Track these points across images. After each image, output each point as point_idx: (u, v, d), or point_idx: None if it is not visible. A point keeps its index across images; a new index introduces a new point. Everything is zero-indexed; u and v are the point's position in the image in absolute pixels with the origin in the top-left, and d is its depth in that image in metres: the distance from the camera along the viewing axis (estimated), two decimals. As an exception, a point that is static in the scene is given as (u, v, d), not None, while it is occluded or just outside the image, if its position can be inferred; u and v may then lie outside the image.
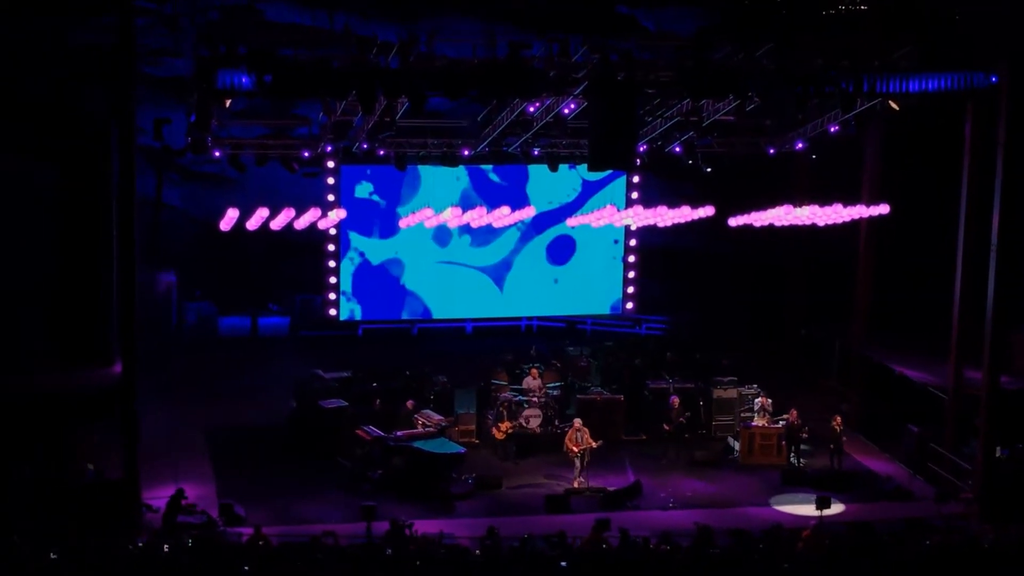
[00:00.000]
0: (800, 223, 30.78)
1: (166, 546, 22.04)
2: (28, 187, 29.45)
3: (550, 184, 34.71)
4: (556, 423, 30.70)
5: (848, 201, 30.56)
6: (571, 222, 33.97)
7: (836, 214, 30.16)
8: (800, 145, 31.18)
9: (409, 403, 30.01)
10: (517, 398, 31.04)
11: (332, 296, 34.77)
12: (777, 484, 28.95)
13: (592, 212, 32.89)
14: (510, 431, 30.22)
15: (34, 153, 29.47)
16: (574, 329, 39.33)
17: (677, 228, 32.60)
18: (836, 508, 26.94)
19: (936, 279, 31.11)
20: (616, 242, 36.04)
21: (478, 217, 31.07)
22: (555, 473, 29.28)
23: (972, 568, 22.15)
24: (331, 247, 34.45)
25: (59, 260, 29.71)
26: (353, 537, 23.59)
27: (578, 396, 31.90)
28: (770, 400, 30.83)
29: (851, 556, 22.18)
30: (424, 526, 24.43)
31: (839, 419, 29.94)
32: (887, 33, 30.00)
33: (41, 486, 25.73)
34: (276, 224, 29.29)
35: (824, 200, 30.21)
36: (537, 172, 34.31)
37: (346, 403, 30.60)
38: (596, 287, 36.38)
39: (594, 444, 28.70)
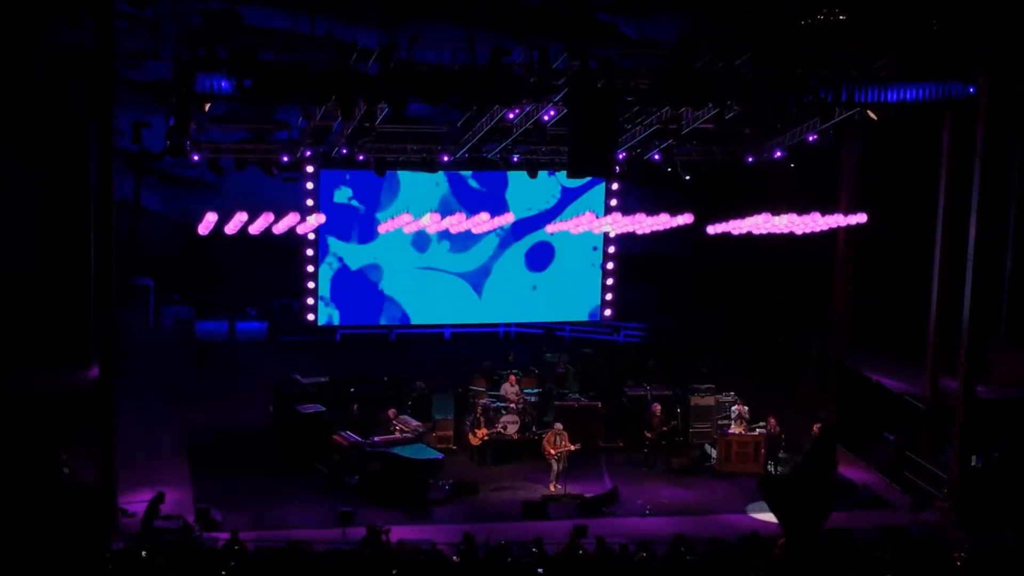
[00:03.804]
0: (778, 231, 30.88)
1: (144, 552, 21.97)
2: (7, 187, 29.37)
3: (529, 191, 34.76)
4: (534, 429, 30.71)
5: (826, 210, 30.65)
6: (550, 229, 34.04)
7: (814, 223, 30.24)
8: (779, 154, 31.28)
9: (391, 411, 29.94)
10: (495, 404, 31.04)
11: (310, 301, 34.76)
12: (754, 491, 28.97)
13: (571, 219, 32.91)
14: (486, 438, 30.22)
15: (13, 153, 29.39)
16: (552, 336, 39.32)
17: (656, 235, 32.65)
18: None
19: (914, 287, 31.23)
20: (595, 249, 36.12)
21: (457, 223, 31.07)
22: (532, 479, 29.31)
23: (947, 576, 22.27)
24: (310, 252, 34.44)
25: (38, 262, 29.63)
26: (330, 542, 23.57)
27: (556, 403, 31.87)
28: (747, 408, 30.92)
29: (827, 564, 22.23)
30: (401, 532, 24.41)
31: (817, 428, 29.94)
32: (866, 43, 30.10)
33: (16, 488, 25.60)
34: (255, 228, 29.25)
35: (802, 208, 30.29)
36: (516, 178, 34.33)
37: (324, 408, 30.54)
38: (575, 294, 36.45)
39: (571, 447, 28.77)
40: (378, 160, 30.38)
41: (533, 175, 31.97)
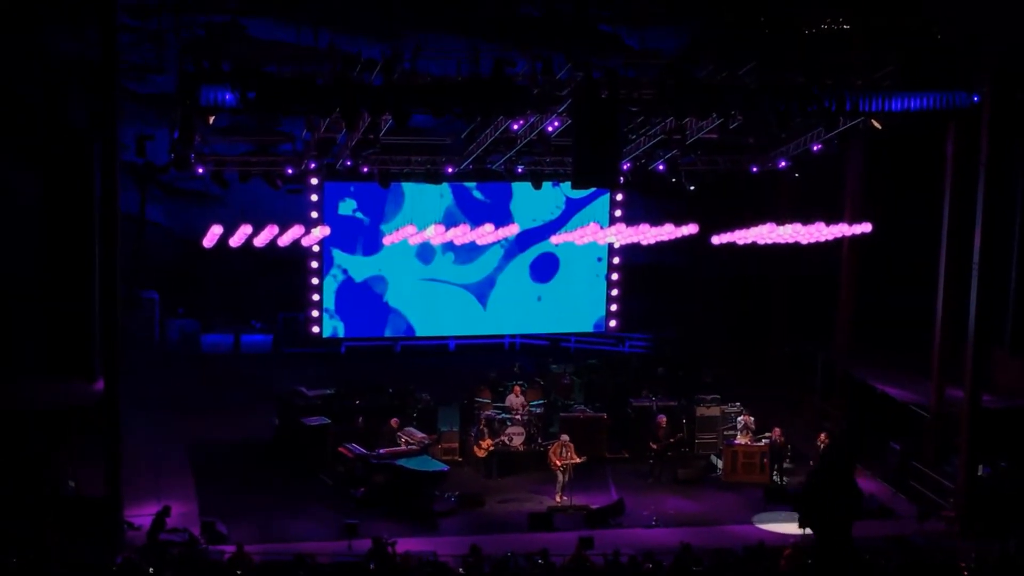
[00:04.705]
0: (783, 241, 30.88)
1: (150, 567, 21.94)
2: (11, 195, 29.36)
3: (534, 202, 34.72)
4: (539, 441, 30.66)
5: (830, 219, 30.66)
6: (555, 240, 34.03)
7: (818, 232, 30.28)
8: (783, 163, 31.26)
9: (393, 421, 29.95)
10: (500, 416, 31.00)
11: (315, 313, 34.74)
12: (759, 502, 28.96)
13: (576, 230, 32.94)
14: (491, 449, 30.18)
15: (17, 162, 29.38)
16: (557, 347, 39.29)
17: (661, 246, 32.69)
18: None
19: (919, 296, 31.20)
20: (599, 260, 36.08)
21: (462, 234, 31.09)
22: (538, 490, 29.27)
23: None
24: (314, 264, 34.43)
25: (43, 272, 29.60)
26: (335, 555, 23.54)
27: (561, 414, 31.85)
28: (752, 418, 30.90)
29: (831, 574, 22.17)
30: (407, 544, 24.39)
31: (824, 436, 29.94)
32: (870, 52, 30.11)
33: (20, 499, 25.59)
34: (259, 241, 29.27)
35: (807, 218, 30.31)
36: (521, 190, 34.28)
37: (329, 420, 30.52)
38: (579, 305, 36.39)
39: (578, 460, 28.74)
40: (382, 172, 30.38)
41: (537, 186, 31.92)
